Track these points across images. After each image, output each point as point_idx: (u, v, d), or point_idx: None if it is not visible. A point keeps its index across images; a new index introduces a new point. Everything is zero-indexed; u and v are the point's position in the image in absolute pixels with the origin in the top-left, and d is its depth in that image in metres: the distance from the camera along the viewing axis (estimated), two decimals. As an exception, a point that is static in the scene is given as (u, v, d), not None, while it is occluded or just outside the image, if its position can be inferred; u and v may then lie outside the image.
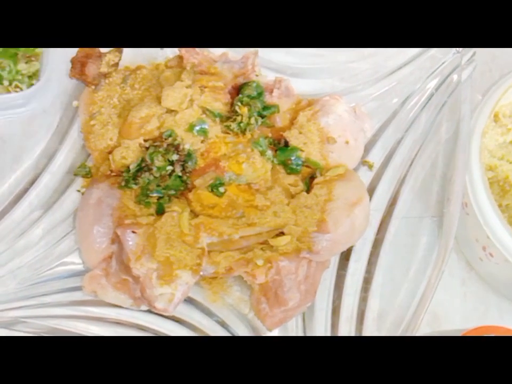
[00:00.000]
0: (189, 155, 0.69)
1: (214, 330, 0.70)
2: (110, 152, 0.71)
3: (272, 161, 0.71)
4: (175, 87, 0.71)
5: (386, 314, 0.71)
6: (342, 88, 0.76)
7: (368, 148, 0.76)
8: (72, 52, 0.73)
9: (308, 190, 0.71)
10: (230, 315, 0.71)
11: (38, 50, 0.73)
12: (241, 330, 0.71)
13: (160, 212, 0.69)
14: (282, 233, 0.69)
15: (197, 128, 0.70)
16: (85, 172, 0.73)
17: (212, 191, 0.69)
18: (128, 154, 0.70)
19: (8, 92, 0.73)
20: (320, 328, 0.71)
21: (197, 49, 0.74)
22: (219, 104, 0.71)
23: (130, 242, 0.67)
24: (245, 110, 0.71)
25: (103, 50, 0.74)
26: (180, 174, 0.69)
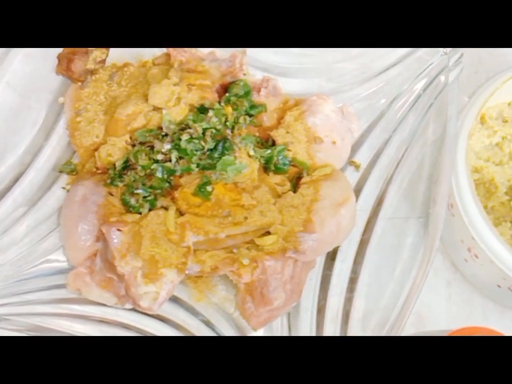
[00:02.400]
0: (175, 153, 0.69)
1: (199, 330, 0.70)
2: (95, 149, 0.70)
3: (259, 161, 0.71)
4: (162, 85, 0.70)
5: (372, 315, 0.71)
6: (329, 88, 0.76)
7: (355, 148, 0.75)
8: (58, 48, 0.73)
9: (295, 190, 0.71)
10: (215, 314, 0.71)
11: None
12: (226, 330, 0.71)
13: (146, 210, 0.69)
14: (268, 233, 0.69)
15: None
16: (70, 169, 0.72)
17: (199, 190, 0.68)
18: (114, 152, 0.69)
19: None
20: (305, 328, 0.71)
21: (184, 47, 0.74)
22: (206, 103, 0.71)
23: (115, 240, 0.66)
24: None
25: (89, 47, 0.73)
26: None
